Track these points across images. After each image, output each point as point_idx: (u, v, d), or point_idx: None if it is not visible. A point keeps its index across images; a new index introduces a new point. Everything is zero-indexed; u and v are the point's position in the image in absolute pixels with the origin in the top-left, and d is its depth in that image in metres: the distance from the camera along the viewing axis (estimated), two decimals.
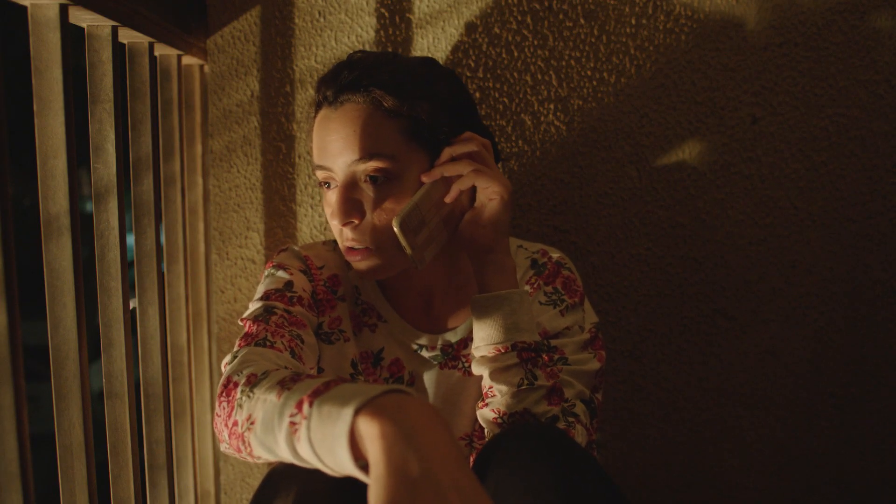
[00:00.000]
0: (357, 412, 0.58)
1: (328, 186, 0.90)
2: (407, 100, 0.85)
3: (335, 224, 0.88)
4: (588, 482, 0.71)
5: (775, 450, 1.25)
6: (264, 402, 0.67)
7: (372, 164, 0.85)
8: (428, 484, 0.53)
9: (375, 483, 0.54)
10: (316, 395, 0.62)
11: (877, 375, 1.23)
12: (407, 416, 0.57)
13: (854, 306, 1.22)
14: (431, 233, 0.87)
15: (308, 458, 0.62)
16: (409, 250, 0.84)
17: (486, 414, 0.85)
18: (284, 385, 0.67)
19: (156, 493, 1.10)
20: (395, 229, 0.83)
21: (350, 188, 0.86)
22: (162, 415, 1.08)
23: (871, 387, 1.23)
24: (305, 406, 0.62)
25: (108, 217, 0.95)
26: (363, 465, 0.58)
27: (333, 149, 0.86)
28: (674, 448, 1.26)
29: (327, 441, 0.59)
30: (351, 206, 0.86)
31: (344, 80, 0.87)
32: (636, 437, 1.26)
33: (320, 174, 0.89)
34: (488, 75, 1.19)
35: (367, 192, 0.86)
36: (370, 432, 0.56)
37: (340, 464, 0.59)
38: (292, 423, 0.63)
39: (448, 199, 0.88)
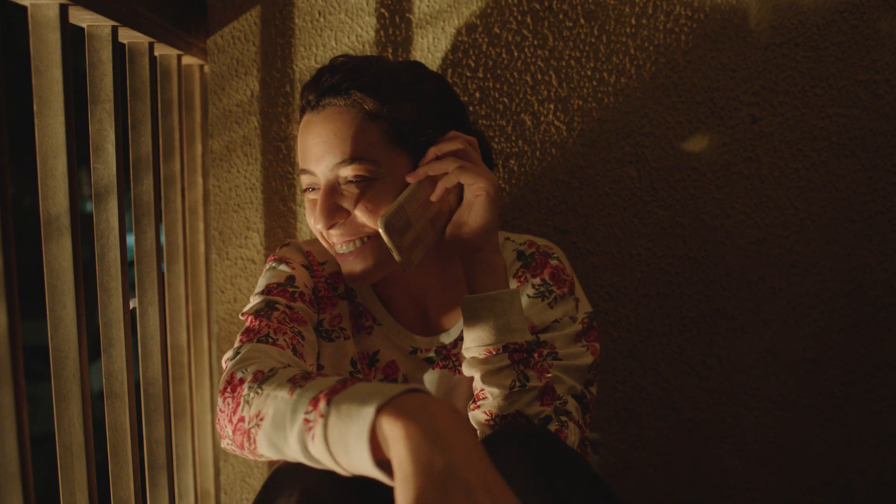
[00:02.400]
0: (378, 411, 0.57)
1: (311, 190, 0.89)
2: (388, 102, 0.85)
3: (319, 228, 0.87)
4: (577, 483, 0.71)
5: (775, 450, 1.25)
6: (275, 398, 0.67)
7: (354, 167, 0.84)
8: (457, 483, 0.53)
9: (404, 484, 0.53)
10: (333, 393, 0.62)
11: (877, 375, 1.23)
12: (430, 416, 0.57)
13: (854, 306, 1.22)
14: (419, 234, 0.86)
15: (319, 456, 0.62)
16: (395, 252, 0.83)
17: (477, 416, 0.84)
18: (296, 382, 0.67)
19: (156, 493, 1.10)
20: (381, 230, 0.81)
21: (332, 192, 0.86)
22: (162, 415, 1.08)
23: (871, 387, 1.23)
24: (322, 404, 0.62)
25: (108, 217, 0.95)
26: (381, 464, 0.58)
27: (315, 152, 0.86)
28: (674, 448, 1.26)
29: (345, 439, 0.59)
30: (334, 209, 0.86)
31: (325, 84, 0.86)
32: (636, 437, 1.26)
33: (304, 179, 0.89)
34: (488, 75, 1.19)
35: (350, 195, 0.86)
36: (394, 433, 0.56)
37: (358, 463, 0.59)
38: (307, 421, 0.62)
39: (434, 198, 0.87)
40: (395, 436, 0.56)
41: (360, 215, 0.86)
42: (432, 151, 0.87)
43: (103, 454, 0.97)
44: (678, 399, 1.25)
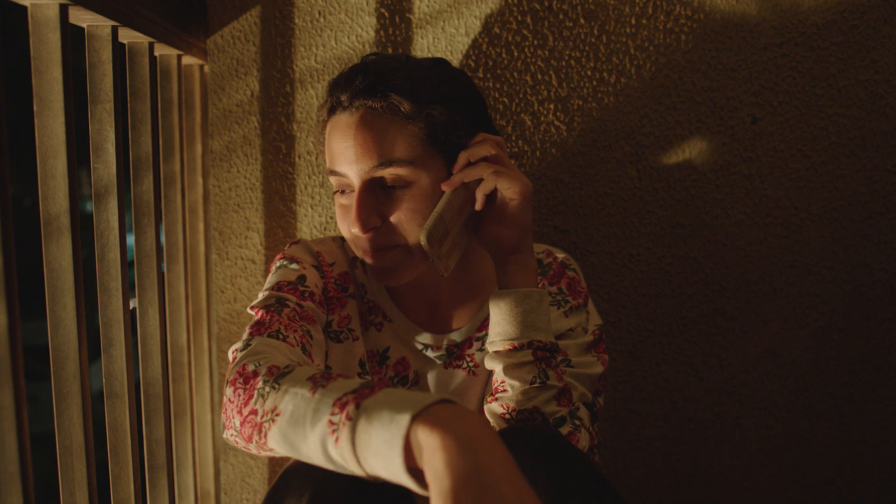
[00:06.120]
0: (413, 420, 0.57)
1: (342, 192, 0.89)
2: (423, 104, 0.85)
3: (355, 232, 0.87)
4: (585, 484, 0.71)
5: (775, 450, 1.25)
6: (294, 395, 0.67)
7: (390, 171, 0.84)
8: (494, 497, 0.53)
9: (441, 497, 0.54)
10: (361, 398, 0.62)
11: (877, 375, 1.23)
12: (465, 429, 0.57)
13: (854, 306, 1.22)
14: (454, 239, 0.87)
15: (341, 459, 0.62)
16: (436, 262, 0.84)
17: (494, 408, 0.85)
18: (317, 382, 0.67)
19: (156, 493, 1.10)
20: (423, 243, 0.82)
21: (368, 194, 0.85)
22: (162, 415, 1.08)
23: (871, 387, 1.23)
24: (350, 407, 0.61)
25: (108, 217, 0.95)
26: (411, 471, 0.58)
27: (350, 155, 0.85)
28: (674, 448, 1.26)
29: (376, 446, 0.59)
30: (370, 213, 0.85)
31: (360, 85, 0.86)
32: (636, 437, 1.26)
33: (335, 180, 0.89)
34: (488, 75, 1.19)
35: (386, 197, 0.86)
36: (430, 443, 0.56)
37: (388, 469, 0.59)
38: (331, 423, 0.62)
39: (478, 207, 0.87)
40: (431, 447, 0.56)
41: (398, 224, 0.86)
42: (464, 156, 0.87)
43: (103, 454, 0.97)
44: (678, 399, 1.25)
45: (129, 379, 0.97)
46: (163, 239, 1.14)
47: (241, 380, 0.73)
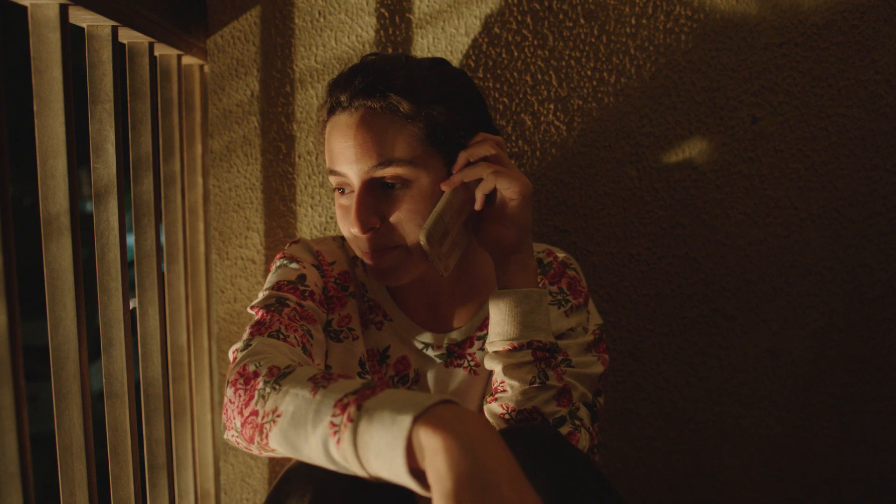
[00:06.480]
0: (415, 421, 0.57)
1: (342, 192, 0.89)
2: (423, 104, 0.85)
3: (354, 232, 0.87)
4: (585, 484, 0.71)
5: (775, 450, 1.25)
6: (295, 396, 0.67)
7: (390, 170, 0.84)
8: (495, 498, 0.53)
9: (444, 498, 0.54)
10: (363, 399, 0.62)
11: (877, 375, 1.23)
12: (466, 430, 0.57)
13: (854, 306, 1.22)
14: (454, 239, 0.87)
15: (343, 460, 0.62)
16: (436, 262, 0.84)
17: (493, 408, 0.85)
18: (318, 382, 0.66)
19: (156, 493, 1.10)
20: (423, 244, 0.82)
21: (367, 194, 0.85)
22: (162, 415, 1.09)
23: (871, 387, 1.23)
24: (351, 408, 0.61)
25: (108, 217, 0.95)
26: (413, 472, 0.58)
27: (350, 155, 0.85)
28: (674, 448, 1.26)
29: (377, 447, 0.59)
30: (370, 214, 0.85)
31: (359, 85, 0.86)
32: (636, 437, 1.26)
33: (334, 180, 0.89)
34: (488, 75, 1.19)
35: (385, 197, 0.86)
36: (432, 445, 0.56)
37: (390, 470, 0.59)
38: (332, 424, 0.62)
39: (478, 207, 0.87)
40: (433, 448, 0.56)
41: (398, 224, 0.86)
42: (463, 157, 0.87)
43: (103, 454, 0.97)
44: (678, 399, 1.25)
45: (129, 379, 0.97)
46: (163, 239, 1.14)
47: (241, 380, 0.73)
